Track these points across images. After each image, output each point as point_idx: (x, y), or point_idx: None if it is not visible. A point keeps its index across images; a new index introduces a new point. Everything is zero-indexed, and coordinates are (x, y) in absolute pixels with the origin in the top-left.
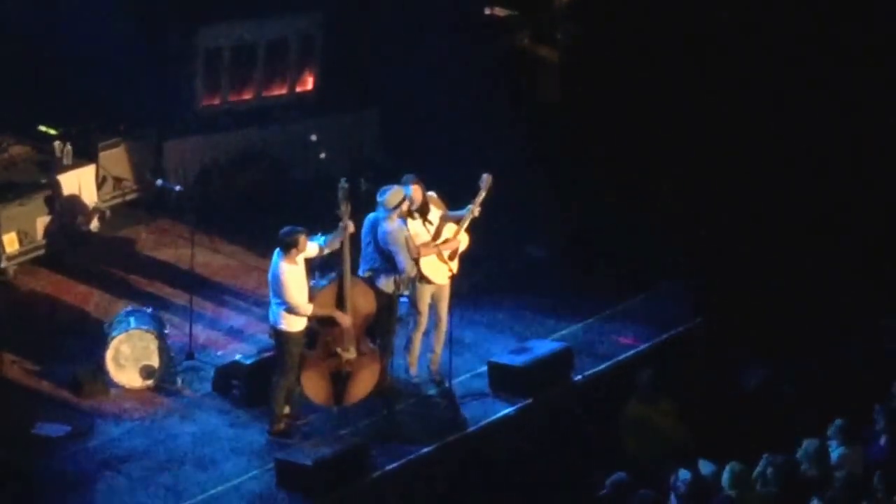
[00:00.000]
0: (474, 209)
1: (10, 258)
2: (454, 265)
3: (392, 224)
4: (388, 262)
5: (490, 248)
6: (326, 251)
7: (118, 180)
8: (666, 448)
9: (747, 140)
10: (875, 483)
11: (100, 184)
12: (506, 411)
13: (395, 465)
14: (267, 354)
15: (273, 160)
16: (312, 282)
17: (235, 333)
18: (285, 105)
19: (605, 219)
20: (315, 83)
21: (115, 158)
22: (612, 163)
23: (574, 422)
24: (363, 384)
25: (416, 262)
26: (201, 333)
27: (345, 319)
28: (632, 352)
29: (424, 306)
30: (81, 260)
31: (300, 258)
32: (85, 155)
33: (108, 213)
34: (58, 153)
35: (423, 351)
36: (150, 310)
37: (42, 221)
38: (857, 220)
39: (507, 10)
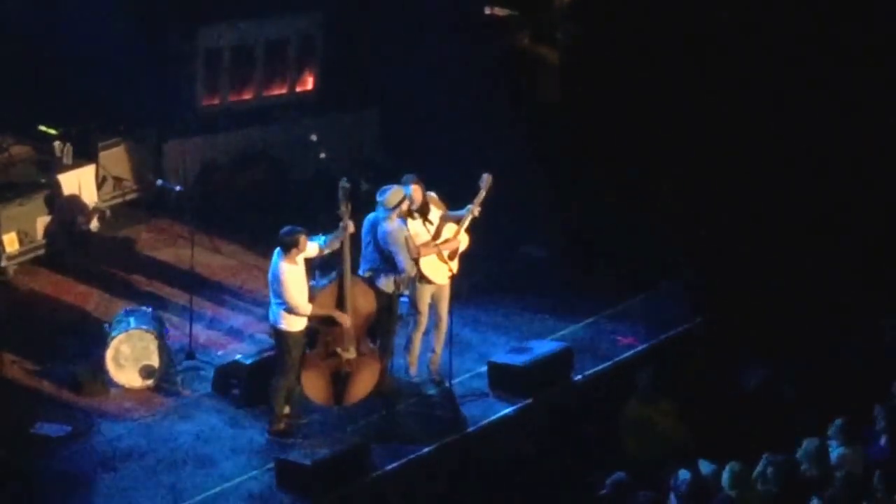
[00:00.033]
0: (474, 209)
1: (10, 258)
2: (454, 265)
3: (392, 224)
4: (388, 262)
5: (490, 248)
6: (326, 251)
7: (118, 180)
8: (666, 448)
9: (747, 140)
10: (875, 483)
11: (100, 184)
12: (506, 411)
13: (395, 464)
14: (267, 354)
15: (273, 160)
16: (312, 282)
17: (235, 333)
18: (285, 105)
19: (605, 219)
20: (315, 83)
21: (115, 158)
22: (612, 163)
23: (574, 422)
24: (363, 384)
25: (416, 261)
26: (201, 333)
27: (345, 319)
28: (632, 352)
29: (424, 306)
30: (81, 260)
31: (300, 258)
32: (85, 155)
33: (108, 213)
34: (58, 153)
35: (423, 351)
36: (149, 310)
37: (42, 221)
38: (857, 220)
39: (507, 10)
